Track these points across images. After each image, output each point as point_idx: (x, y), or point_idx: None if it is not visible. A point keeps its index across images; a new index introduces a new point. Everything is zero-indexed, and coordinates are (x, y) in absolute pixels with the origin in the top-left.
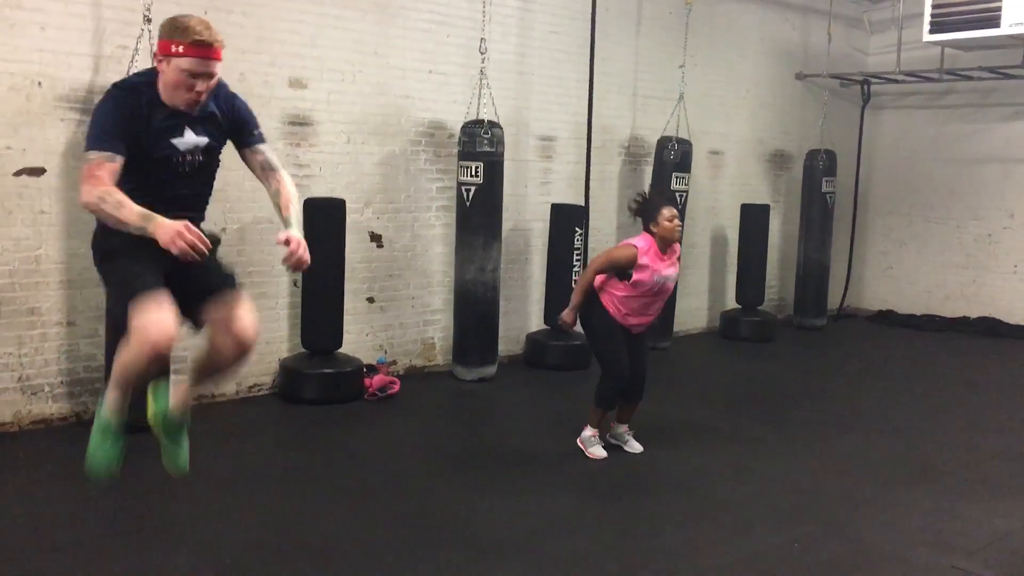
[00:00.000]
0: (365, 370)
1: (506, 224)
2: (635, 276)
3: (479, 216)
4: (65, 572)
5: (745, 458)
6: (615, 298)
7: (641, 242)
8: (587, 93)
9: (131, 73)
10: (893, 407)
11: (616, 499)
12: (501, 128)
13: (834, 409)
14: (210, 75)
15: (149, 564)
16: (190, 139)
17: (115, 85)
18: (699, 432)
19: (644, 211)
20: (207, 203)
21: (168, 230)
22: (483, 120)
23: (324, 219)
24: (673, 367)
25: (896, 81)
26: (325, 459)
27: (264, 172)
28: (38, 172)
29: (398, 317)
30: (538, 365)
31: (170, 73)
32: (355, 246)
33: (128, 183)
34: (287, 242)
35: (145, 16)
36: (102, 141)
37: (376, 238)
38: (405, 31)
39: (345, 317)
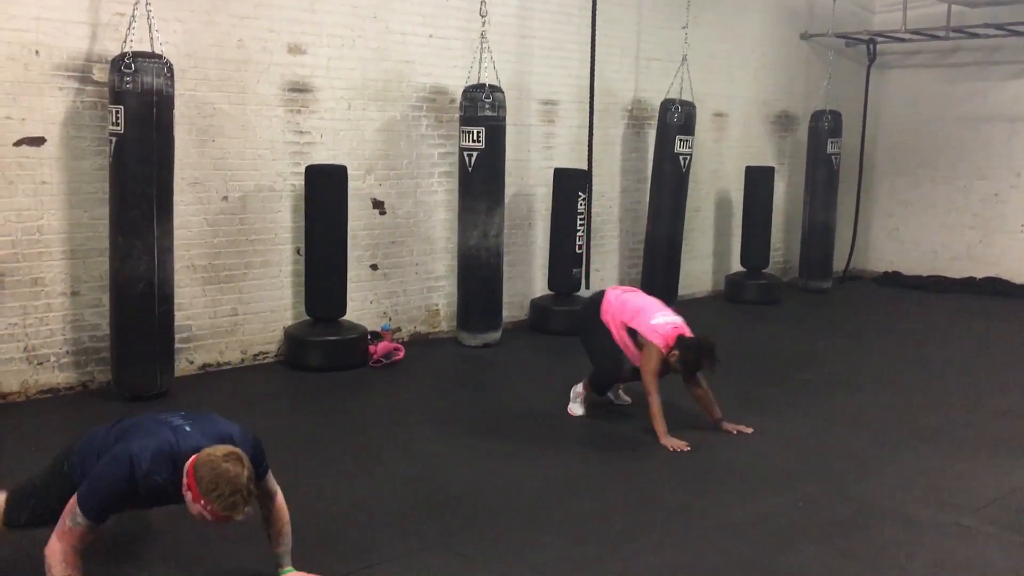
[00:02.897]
0: (370, 337)
1: (509, 189)
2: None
3: (482, 181)
4: None
5: (750, 419)
6: (623, 337)
7: (660, 341)
8: (589, 56)
9: (151, 460)
10: (898, 368)
11: (621, 461)
12: (503, 92)
13: (839, 370)
14: None
15: (155, 528)
16: None
17: (145, 475)
18: None
19: (692, 357)
20: None
21: None
22: (484, 84)
23: (326, 186)
24: None
25: (902, 40)
26: (330, 425)
27: (262, 497)
28: (38, 142)
29: (402, 284)
30: (542, 330)
31: (192, 505)
32: (357, 213)
33: None
34: None
35: None
36: (97, 511)
37: (378, 205)
38: None
39: (349, 284)
